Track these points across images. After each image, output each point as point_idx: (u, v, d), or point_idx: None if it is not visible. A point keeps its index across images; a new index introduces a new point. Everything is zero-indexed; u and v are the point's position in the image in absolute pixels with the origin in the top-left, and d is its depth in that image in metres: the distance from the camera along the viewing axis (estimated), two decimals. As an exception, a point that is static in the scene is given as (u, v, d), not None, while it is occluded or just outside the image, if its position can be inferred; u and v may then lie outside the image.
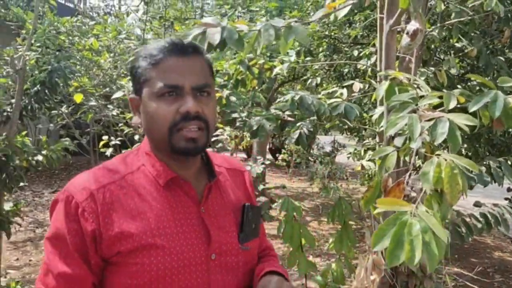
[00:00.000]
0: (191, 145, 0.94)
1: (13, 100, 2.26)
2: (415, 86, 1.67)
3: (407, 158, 1.29)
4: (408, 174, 1.14)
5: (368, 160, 3.95)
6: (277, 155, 12.90)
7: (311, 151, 11.19)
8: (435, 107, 1.47)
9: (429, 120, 1.30)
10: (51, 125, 4.20)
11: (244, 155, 12.33)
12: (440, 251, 0.91)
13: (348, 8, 1.56)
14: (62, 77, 2.33)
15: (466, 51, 2.77)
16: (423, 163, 1.27)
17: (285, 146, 11.46)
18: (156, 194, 0.96)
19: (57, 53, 2.61)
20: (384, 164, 1.27)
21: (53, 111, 3.78)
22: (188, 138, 0.94)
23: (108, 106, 4.10)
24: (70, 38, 3.87)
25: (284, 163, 11.59)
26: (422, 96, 1.44)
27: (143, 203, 0.94)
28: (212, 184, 1.02)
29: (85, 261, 0.92)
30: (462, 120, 1.26)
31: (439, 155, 1.15)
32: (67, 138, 2.57)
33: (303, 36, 1.45)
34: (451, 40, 3.11)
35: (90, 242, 0.91)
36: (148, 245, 0.91)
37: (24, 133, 2.37)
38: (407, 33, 1.82)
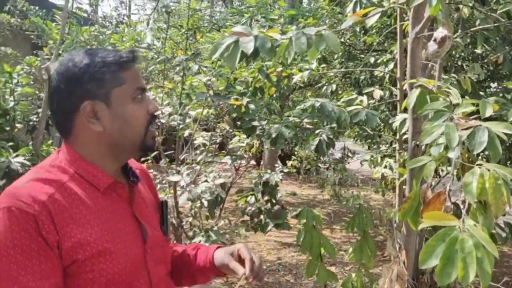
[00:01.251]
0: (154, 142, 1.05)
1: (39, 110, 2.28)
2: (446, 94, 1.65)
3: (443, 168, 1.27)
4: (449, 184, 1.12)
5: (385, 167, 3.93)
6: (286, 161, 12.86)
7: (322, 158, 11.13)
8: (466, 115, 1.46)
9: (465, 129, 1.29)
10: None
11: (253, 162, 12.30)
12: (492, 267, 0.89)
13: (377, 16, 1.56)
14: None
15: (491, 57, 2.75)
16: (460, 172, 1.26)
17: (295, 153, 11.42)
18: (95, 200, 0.98)
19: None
20: (421, 174, 1.25)
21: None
22: (154, 136, 1.05)
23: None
24: (89, 47, 3.90)
25: (294, 170, 11.55)
26: (455, 104, 1.42)
27: (87, 210, 0.95)
28: (136, 185, 1.09)
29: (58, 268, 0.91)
30: (500, 129, 1.24)
31: (480, 165, 1.14)
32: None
33: (334, 44, 1.45)
34: (470, 46, 3.09)
35: (56, 252, 0.90)
36: (103, 251, 0.94)
37: (49, 142, 2.38)
38: (435, 40, 1.81)
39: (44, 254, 0.88)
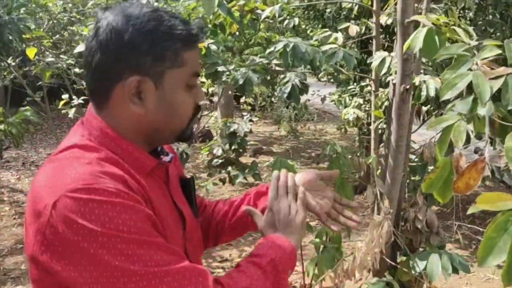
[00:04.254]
0: (192, 132, 0.94)
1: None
2: (453, 32, 1.42)
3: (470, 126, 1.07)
4: (486, 149, 0.92)
5: (354, 108, 3.77)
6: (240, 99, 12.55)
7: (275, 93, 10.93)
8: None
9: (494, 78, 1.07)
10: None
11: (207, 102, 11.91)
12: None
13: None
14: (16, 31, 1.88)
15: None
16: (491, 134, 1.06)
17: (249, 89, 11.13)
18: (144, 182, 0.83)
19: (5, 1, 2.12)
20: (448, 137, 1.03)
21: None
22: (192, 127, 0.93)
23: (61, 56, 3.63)
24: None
25: (249, 107, 11.32)
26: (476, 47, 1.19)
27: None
28: (170, 163, 0.95)
29: None
30: (539, 78, 1.03)
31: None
32: (27, 107, 2.13)
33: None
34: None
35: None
36: (165, 233, 0.82)
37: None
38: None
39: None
